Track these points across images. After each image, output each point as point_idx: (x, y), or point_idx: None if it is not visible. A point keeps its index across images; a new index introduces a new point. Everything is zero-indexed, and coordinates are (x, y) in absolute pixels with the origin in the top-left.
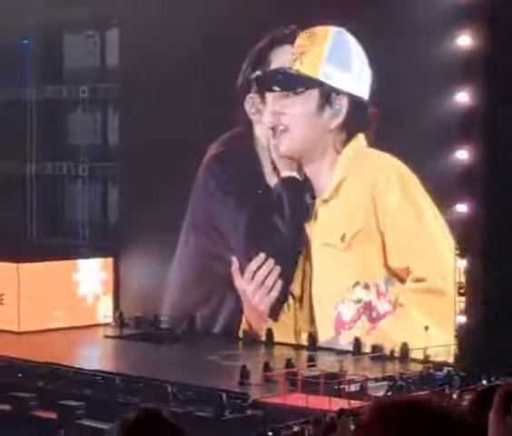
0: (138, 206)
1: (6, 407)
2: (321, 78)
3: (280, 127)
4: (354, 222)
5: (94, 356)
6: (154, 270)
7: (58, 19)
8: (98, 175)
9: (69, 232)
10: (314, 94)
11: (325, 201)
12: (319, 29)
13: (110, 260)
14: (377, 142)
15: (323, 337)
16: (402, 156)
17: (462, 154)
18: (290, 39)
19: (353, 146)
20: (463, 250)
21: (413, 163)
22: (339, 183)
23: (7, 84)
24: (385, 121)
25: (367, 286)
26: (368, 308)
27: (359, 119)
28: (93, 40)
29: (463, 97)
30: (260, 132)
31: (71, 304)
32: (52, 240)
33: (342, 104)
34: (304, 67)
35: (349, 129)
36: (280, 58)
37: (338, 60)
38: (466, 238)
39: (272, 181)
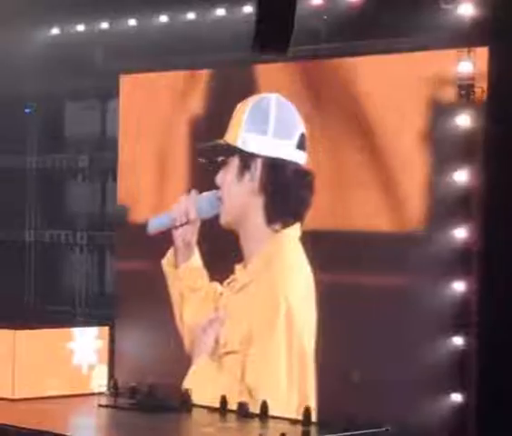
0: (136, 275)
1: None
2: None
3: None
4: None
5: (88, 425)
6: (150, 339)
7: (60, 88)
8: (96, 244)
9: (66, 300)
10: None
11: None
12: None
13: (106, 328)
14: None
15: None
16: None
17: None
18: None
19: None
20: None
21: None
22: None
23: (8, 151)
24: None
25: None
26: None
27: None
28: (95, 109)
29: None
30: None
31: (65, 373)
32: (48, 307)
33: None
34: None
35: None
36: None
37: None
38: None
39: None
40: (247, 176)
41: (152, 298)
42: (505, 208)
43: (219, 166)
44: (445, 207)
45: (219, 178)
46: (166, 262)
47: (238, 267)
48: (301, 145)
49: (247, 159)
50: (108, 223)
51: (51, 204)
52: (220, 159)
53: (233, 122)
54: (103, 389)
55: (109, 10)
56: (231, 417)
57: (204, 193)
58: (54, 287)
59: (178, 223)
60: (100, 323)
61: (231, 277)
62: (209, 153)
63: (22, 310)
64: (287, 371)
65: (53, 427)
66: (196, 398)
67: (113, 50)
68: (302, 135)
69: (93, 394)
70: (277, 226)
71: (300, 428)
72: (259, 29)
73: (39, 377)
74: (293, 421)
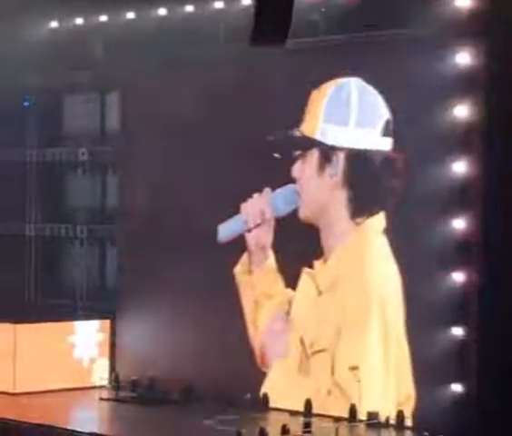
0: (137, 268)
1: None
2: (318, 137)
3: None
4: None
5: (89, 418)
6: (152, 332)
7: (59, 81)
8: (96, 237)
9: (66, 294)
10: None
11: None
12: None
13: (107, 322)
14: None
15: None
16: None
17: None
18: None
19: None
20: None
21: None
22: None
23: (7, 145)
24: None
25: None
26: None
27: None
28: (94, 103)
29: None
30: None
31: (66, 366)
32: (49, 301)
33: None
34: (304, 127)
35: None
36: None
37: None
38: None
39: None
40: (328, 170)
41: (154, 291)
42: (504, 198)
43: (293, 159)
44: (444, 198)
45: (295, 171)
46: (240, 270)
47: (317, 264)
48: (387, 132)
49: (327, 152)
50: (108, 217)
51: (51, 198)
52: (297, 153)
53: (310, 111)
54: (105, 382)
55: (107, 3)
56: (232, 409)
57: (278, 190)
58: (55, 281)
59: (252, 225)
60: (101, 317)
61: None
62: (283, 146)
63: (22, 304)
64: (383, 367)
65: (54, 421)
66: (281, 403)
67: (111, 43)
68: (387, 122)
69: (94, 388)
70: (360, 219)
71: (301, 419)
72: (257, 21)
73: (40, 371)
74: (294, 413)
